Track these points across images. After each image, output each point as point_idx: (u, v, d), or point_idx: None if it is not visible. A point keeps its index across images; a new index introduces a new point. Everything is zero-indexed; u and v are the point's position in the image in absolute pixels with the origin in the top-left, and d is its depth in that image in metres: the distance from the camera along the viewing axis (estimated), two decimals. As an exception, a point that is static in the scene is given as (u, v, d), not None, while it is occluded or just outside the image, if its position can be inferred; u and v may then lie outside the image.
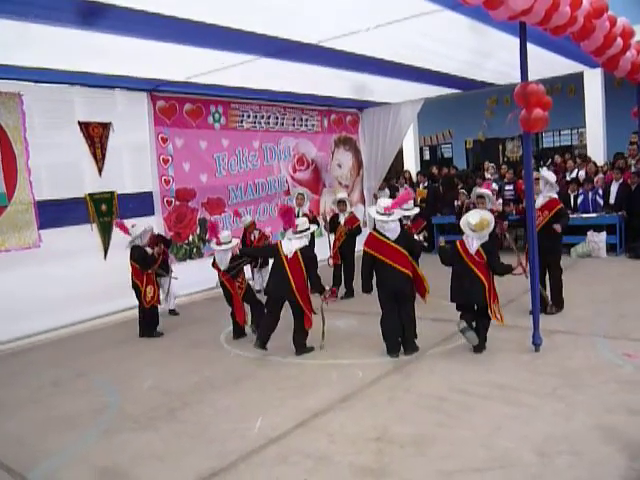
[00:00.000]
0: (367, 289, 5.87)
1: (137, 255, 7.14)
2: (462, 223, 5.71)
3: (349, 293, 8.73)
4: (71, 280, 7.61)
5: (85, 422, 4.78)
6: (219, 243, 6.66)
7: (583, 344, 5.69)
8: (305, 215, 8.72)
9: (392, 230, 5.66)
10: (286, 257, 6.01)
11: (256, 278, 9.53)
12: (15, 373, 6.25)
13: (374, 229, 5.81)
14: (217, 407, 4.87)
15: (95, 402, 5.23)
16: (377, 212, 5.68)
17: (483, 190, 7.81)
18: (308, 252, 6.12)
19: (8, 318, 6.96)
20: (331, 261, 8.26)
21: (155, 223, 8.77)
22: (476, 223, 5.53)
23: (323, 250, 8.35)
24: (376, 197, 13.01)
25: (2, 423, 4.90)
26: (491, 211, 7.45)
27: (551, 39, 5.92)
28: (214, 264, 6.86)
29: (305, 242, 6.13)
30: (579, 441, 3.76)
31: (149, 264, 7.21)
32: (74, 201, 8.13)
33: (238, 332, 6.87)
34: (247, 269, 7.04)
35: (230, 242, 6.67)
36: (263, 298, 8.48)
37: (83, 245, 8.05)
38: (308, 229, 6.20)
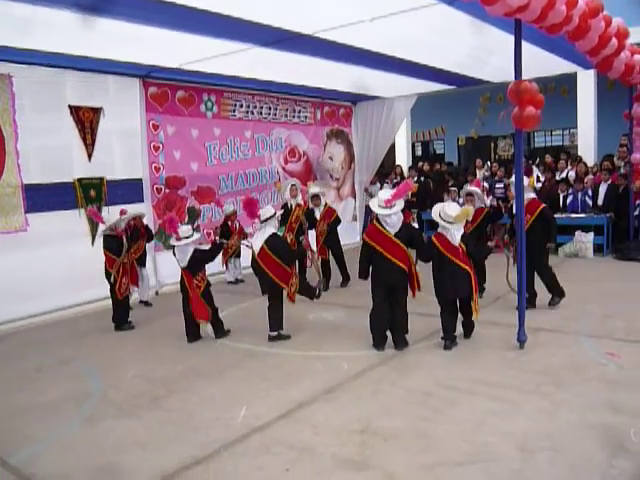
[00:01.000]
0: (364, 276, 5.89)
1: (110, 243, 7.03)
2: (436, 215, 5.64)
3: (345, 279, 8.77)
4: (57, 265, 7.55)
5: (68, 409, 4.75)
6: (179, 238, 6.28)
7: (568, 342, 5.74)
8: (299, 206, 8.72)
9: (393, 224, 5.57)
10: (256, 254, 6.02)
11: (230, 269, 9.53)
12: (-2, 357, 6.21)
13: (376, 220, 5.71)
14: (202, 396, 4.86)
15: (79, 389, 5.20)
16: (378, 205, 5.59)
17: (472, 188, 7.83)
18: (274, 241, 6.07)
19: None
20: (314, 257, 8.23)
21: (144, 210, 8.70)
22: (457, 215, 5.50)
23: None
24: (367, 191, 13.04)
25: (-16, 407, 4.86)
26: (481, 209, 7.50)
27: (546, 38, 5.94)
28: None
29: (270, 231, 6.08)
30: (561, 438, 3.79)
31: (121, 251, 7.06)
32: (62, 186, 8.03)
33: (193, 333, 6.43)
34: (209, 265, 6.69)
35: (191, 236, 6.32)
36: (237, 288, 8.55)
37: (70, 230, 7.98)
38: (273, 215, 6.14)
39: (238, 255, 9.45)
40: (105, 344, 6.54)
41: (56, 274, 7.49)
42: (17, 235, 7.50)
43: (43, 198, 7.74)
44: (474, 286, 5.64)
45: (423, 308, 6.42)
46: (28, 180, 7.63)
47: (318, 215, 8.88)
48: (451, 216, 5.52)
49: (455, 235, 5.58)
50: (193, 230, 6.53)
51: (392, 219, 5.57)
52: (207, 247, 6.84)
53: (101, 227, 7.41)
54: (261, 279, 6.20)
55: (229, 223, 9.25)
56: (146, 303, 8.33)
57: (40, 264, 7.37)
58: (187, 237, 6.29)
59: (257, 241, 6.10)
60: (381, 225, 5.63)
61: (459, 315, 5.87)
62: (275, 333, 6.18)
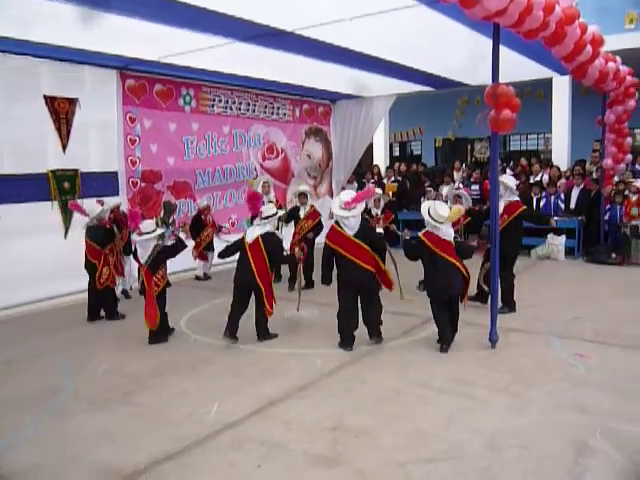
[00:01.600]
0: (326, 281, 5.91)
1: (94, 234, 7.01)
2: (425, 214, 5.60)
3: (308, 284, 8.70)
4: (30, 258, 7.41)
5: (39, 403, 4.69)
6: (140, 233, 6.12)
7: (538, 343, 5.84)
8: (270, 202, 8.70)
9: (351, 226, 5.61)
10: (248, 244, 5.99)
11: (198, 263, 9.49)
12: (-34, 350, 6.08)
13: (335, 222, 5.76)
14: (174, 391, 4.84)
15: (50, 383, 5.13)
16: (338, 206, 5.63)
17: (461, 191, 8.13)
18: (270, 237, 6.07)
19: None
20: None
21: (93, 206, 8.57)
22: (449, 215, 5.53)
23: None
24: (344, 190, 13.07)
25: (-50, 400, 4.76)
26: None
27: (524, 43, 6.02)
28: (135, 256, 6.44)
29: (268, 228, 6.10)
30: (529, 436, 3.86)
31: (108, 241, 7.09)
32: (35, 177, 7.88)
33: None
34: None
35: (153, 231, 6.14)
36: (208, 284, 8.49)
37: (43, 222, 7.85)
38: (274, 214, 6.17)
39: (212, 249, 9.39)
40: (77, 338, 6.46)
41: (28, 267, 7.34)
42: (-12, 226, 7.35)
43: (15, 189, 7.59)
44: (467, 282, 5.73)
45: (396, 307, 6.47)
46: (0, 170, 7.48)
47: (302, 213, 8.87)
48: (443, 216, 5.50)
49: (447, 230, 5.56)
50: (163, 224, 6.46)
51: (350, 221, 5.59)
52: (171, 243, 6.72)
53: (80, 219, 7.33)
54: (240, 269, 6.08)
55: (202, 217, 9.23)
56: (126, 294, 8.27)
57: (12, 256, 7.23)
58: (149, 232, 6.13)
59: (253, 232, 6.04)
60: (340, 227, 5.65)
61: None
62: (263, 339, 6.12)
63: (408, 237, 6.24)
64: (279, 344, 6.02)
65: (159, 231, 6.29)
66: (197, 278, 9.51)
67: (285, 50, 7.76)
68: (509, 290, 6.99)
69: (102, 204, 7.35)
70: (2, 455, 3.86)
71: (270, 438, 3.94)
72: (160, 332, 6.20)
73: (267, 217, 6.10)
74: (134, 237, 6.27)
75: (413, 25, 6.61)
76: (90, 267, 7.09)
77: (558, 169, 12.17)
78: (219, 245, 8.73)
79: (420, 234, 5.70)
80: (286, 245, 8.36)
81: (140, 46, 7.58)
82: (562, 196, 11.20)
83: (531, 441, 3.79)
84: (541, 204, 11.29)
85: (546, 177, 12.08)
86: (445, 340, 5.63)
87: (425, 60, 8.63)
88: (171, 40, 7.10)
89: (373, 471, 3.50)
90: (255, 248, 5.97)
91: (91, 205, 7.38)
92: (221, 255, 6.46)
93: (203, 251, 9.37)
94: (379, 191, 8.88)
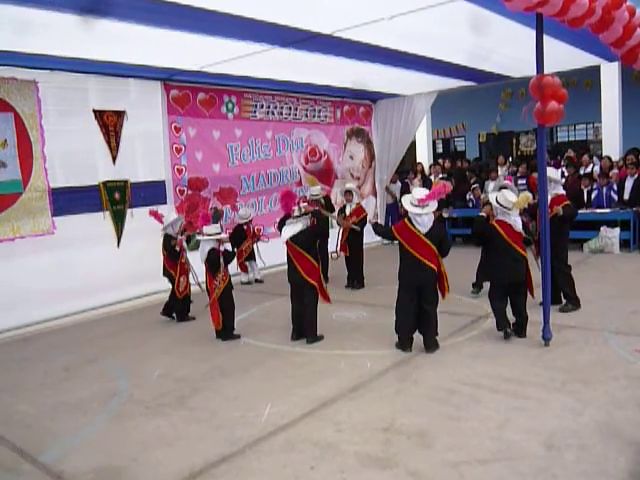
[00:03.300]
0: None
1: (167, 244, 7.21)
2: (493, 201, 5.78)
3: (359, 284, 8.73)
4: (84, 267, 7.70)
5: (96, 407, 4.84)
6: (202, 234, 6.44)
7: (594, 339, 5.66)
8: (355, 212, 8.77)
9: (424, 224, 5.50)
10: (285, 243, 6.12)
11: (248, 271, 9.56)
12: (28, 358, 6.33)
13: (407, 218, 5.63)
14: (226, 394, 4.91)
15: (106, 387, 5.29)
16: (411, 204, 5.53)
17: (506, 182, 7.97)
18: (302, 236, 6.08)
19: (21, 304, 7.06)
20: (334, 255, 8.30)
21: (167, 212, 8.81)
22: (517, 201, 5.63)
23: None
24: (388, 189, 13.02)
25: (15, 406, 4.97)
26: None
27: (568, 31, 5.85)
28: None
29: (299, 227, 6.10)
30: (587, 436, 3.75)
31: (176, 254, 7.23)
32: (88, 189, 8.18)
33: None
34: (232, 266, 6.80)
35: (215, 234, 6.40)
36: (257, 288, 8.56)
37: (96, 233, 8.12)
38: (305, 214, 6.21)
39: (253, 258, 9.45)
40: (132, 343, 6.64)
41: (82, 276, 7.62)
42: (45, 238, 7.66)
43: (69, 201, 7.89)
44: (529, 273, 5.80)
45: (445, 306, 6.38)
46: (54, 184, 7.78)
47: (348, 211, 8.91)
48: (511, 202, 5.65)
49: (517, 221, 5.72)
50: (221, 230, 6.58)
51: (423, 219, 5.50)
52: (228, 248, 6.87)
53: (130, 229, 7.56)
54: (289, 269, 6.22)
55: (245, 227, 9.20)
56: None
57: (67, 266, 7.52)
58: (210, 234, 6.38)
59: (285, 234, 6.13)
60: (411, 223, 5.54)
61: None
62: (312, 342, 6.13)
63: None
64: (328, 345, 6.03)
65: (221, 235, 6.48)
66: (243, 284, 9.60)
67: (324, 53, 7.79)
68: (568, 283, 6.72)
69: (153, 214, 7.50)
70: (64, 458, 3.99)
71: (322, 439, 3.96)
72: (226, 331, 6.42)
73: (297, 216, 6.17)
74: (198, 236, 6.55)
75: (453, 20, 6.52)
76: (168, 276, 7.30)
77: (609, 159, 11.77)
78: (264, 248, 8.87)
79: (494, 221, 5.76)
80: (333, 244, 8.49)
81: (183, 57, 7.76)
82: (615, 187, 10.82)
83: (590, 441, 3.67)
84: (593, 196, 10.95)
85: (597, 168, 11.71)
86: (507, 325, 5.70)
87: (466, 55, 8.50)
88: (212, 49, 7.24)
89: (426, 472, 3.46)
90: (291, 247, 6.09)
91: (167, 213, 7.60)
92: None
93: (244, 262, 9.38)
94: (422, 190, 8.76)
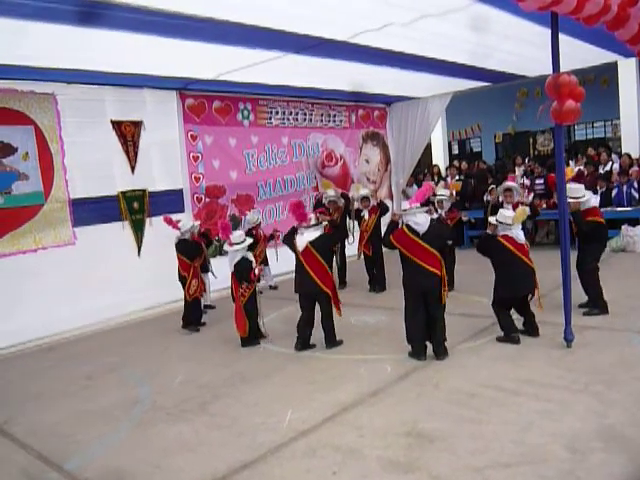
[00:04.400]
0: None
1: (184, 247, 7.29)
2: (494, 221, 5.81)
3: (380, 287, 8.73)
4: (106, 276, 7.79)
5: (118, 414, 4.89)
6: (231, 244, 6.49)
7: (617, 340, 5.58)
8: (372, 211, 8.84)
9: (422, 223, 5.49)
10: (300, 252, 6.04)
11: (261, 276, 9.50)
12: (51, 367, 6.42)
13: (405, 225, 5.62)
14: (247, 400, 4.93)
15: (128, 395, 5.34)
16: (404, 210, 5.62)
17: (509, 183, 7.85)
18: (321, 240, 6.07)
19: (44, 314, 7.17)
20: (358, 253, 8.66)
21: (185, 220, 8.89)
22: (514, 217, 5.70)
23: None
24: (404, 193, 12.97)
25: (39, 415, 5.04)
26: (520, 203, 7.40)
27: (583, 28, 5.80)
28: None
29: (317, 234, 6.09)
30: (612, 438, 3.70)
31: (197, 255, 7.36)
32: (107, 199, 8.28)
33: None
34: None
35: (243, 241, 6.50)
36: (274, 294, 8.57)
37: (116, 242, 8.23)
38: (319, 223, 6.20)
39: (266, 263, 9.42)
40: (153, 351, 6.70)
41: (105, 285, 7.72)
42: (66, 249, 7.77)
43: (89, 212, 8.00)
44: (536, 283, 5.80)
45: (464, 308, 6.36)
46: (74, 195, 7.90)
47: (366, 216, 8.92)
48: (509, 217, 5.71)
49: (519, 234, 5.78)
50: (246, 236, 6.63)
51: (418, 218, 5.49)
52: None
53: (151, 238, 7.65)
54: (302, 279, 6.14)
55: (253, 231, 9.05)
56: (210, 307, 8.45)
57: (89, 275, 7.62)
58: (238, 243, 6.45)
59: (302, 240, 6.08)
60: (410, 230, 5.49)
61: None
62: (332, 347, 6.14)
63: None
64: (348, 350, 6.03)
65: (248, 241, 6.59)
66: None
67: (338, 58, 7.80)
68: (592, 284, 6.50)
69: (167, 220, 7.58)
70: (88, 465, 4.04)
71: (344, 444, 3.95)
72: (250, 337, 6.47)
73: (313, 225, 6.12)
74: (226, 247, 6.58)
75: (466, 22, 6.50)
76: (181, 279, 7.38)
77: (629, 156, 11.60)
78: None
79: (499, 237, 5.77)
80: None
81: (197, 66, 7.83)
82: (635, 184, 10.67)
83: (615, 443, 3.63)
84: (613, 194, 10.80)
85: (616, 166, 11.55)
86: (513, 331, 5.70)
87: (480, 56, 8.46)
88: (226, 58, 7.30)
89: (449, 477, 3.44)
90: (308, 255, 6.01)
91: (183, 219, 7.69)
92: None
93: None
94: (444, 192, 8.73)
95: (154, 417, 4.76)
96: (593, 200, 6.71)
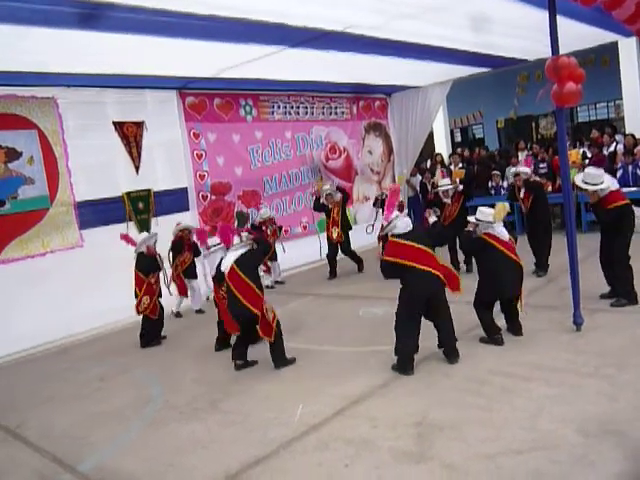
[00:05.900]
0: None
1: (140, 262, 6.96)
2: (474, 220, 5.63)
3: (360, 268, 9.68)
4: (115, 277, 7.79)
5: (131, 415, 4.94)
6: (208, 248, 6.47)
7: (627, 322, 5.55)
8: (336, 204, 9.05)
9: (408, 223, 5.25)
10: (227, 274, 5.63)
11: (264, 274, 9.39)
12: (63, 369, 6.48)
13: (391, 235, 5.34)
14: (258, 396, 4.96)
15: (140, 395, 5.39)
16: (382, 224, 5.64)
17: (520, 168, 8.07)
18: (244, 258, 5.64)
19: (55, 317, 7.22)
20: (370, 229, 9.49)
21: (190, 218, 8.91)
22: (493, 214, 5.47)
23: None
24: (409, 182, 12.92)
25: (52, 417, 5.10)
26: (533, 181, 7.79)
27: (581, 9, 5.75)
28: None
29: (241, 252, 5.70)
30: (624, 421, 3.69)
31: (152, 270, 7.00)
32: (112, 200, 8.32)
33: (222, 343, 6.44)
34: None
35: (219, 244, 6.29)
36: (281, 289, 8.57)
37: (123, 243, 8.21)
38: (244, 243, 5.85)
39: (275, 258, 9.42)
40: (162, 351, 6.75)
41: (113, 286, 7.72)
42: (74, 251, 7.83)
43: (94, 214, 8.05)
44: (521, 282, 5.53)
45: (471, 296, 6.32)
46: (79, 197, 7.93)
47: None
48: (489, 215, 5.49)
49: (502, 231, 5.53)
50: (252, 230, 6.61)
51: (400, 222, 5.24)
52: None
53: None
54: (230, 303, 5.67)
55: (263, 227, 9.10)
56: (199, 311, 8.46)
57: (98, 277, 7.64)
58: (214, 245, 6.41)
59: (226, 261, 5.75)
60: (398, 237, 5.21)
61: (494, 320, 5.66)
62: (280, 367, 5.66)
63: (434, 217, 5.99)
64: (357, 342, 6.03)
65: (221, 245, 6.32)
66: (267, 288, 9.55)
67: (336, 50, 7.77)
68: (624, 278, 6.09)
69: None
70: (102, 466, 4.08)
71: (355, 437, 3.97)
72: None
73: (237, 244, 5.79)
74: (204, 252, 6.49)
75: (464, 8, 6.45)
76: (135, 295, 7.00)
77: (633, 136, 11.50)
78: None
79: (482, 235, 5.54)
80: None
81: (196, 65, 7.81)
82: (640, 164, 10.59)
83: (628, 426, 3.62)
84: (618, 175, 10.72)
85: (621, 147, 11.46)
86: (497, 332, 5.46)
87: (479, 41, 8.39)
88: (224, 55, 7.27)
89: (461, 465, 3.45)
90: (233, 277, 5.57)
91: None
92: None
93: (266, 262, 9.10)
94: (445, 181, 8.77)
95: (167, 416, 4.80)
96: (612, 185, 6.17)
